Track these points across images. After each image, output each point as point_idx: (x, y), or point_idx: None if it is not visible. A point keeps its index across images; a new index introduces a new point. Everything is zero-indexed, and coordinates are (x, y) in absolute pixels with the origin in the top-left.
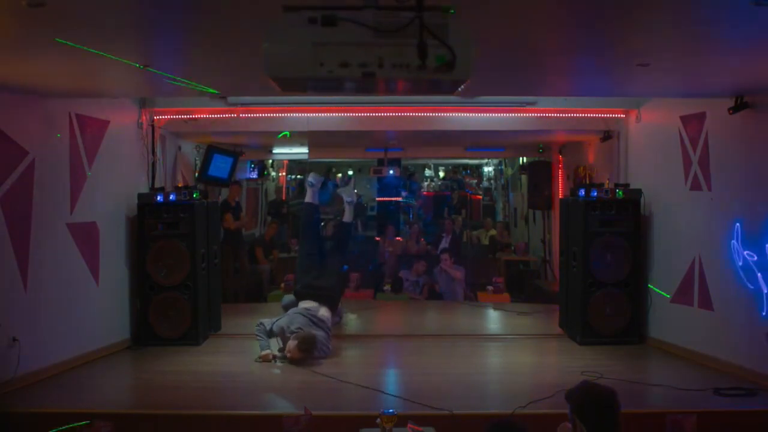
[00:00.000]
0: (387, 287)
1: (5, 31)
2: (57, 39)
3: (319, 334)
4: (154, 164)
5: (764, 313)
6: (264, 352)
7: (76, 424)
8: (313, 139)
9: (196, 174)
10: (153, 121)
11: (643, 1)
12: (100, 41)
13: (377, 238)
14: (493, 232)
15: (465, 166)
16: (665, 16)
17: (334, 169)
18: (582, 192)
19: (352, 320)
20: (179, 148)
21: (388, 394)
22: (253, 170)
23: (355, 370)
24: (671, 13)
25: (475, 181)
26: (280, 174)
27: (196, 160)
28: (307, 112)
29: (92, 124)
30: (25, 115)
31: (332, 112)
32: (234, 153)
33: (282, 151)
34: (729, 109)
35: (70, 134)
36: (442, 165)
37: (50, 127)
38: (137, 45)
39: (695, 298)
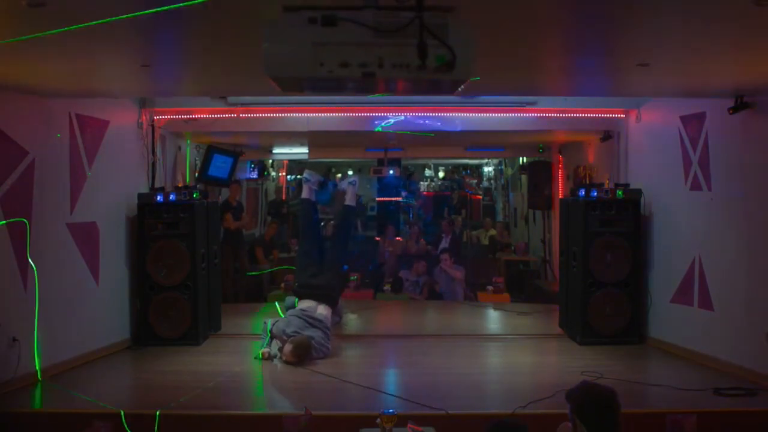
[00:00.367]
0: (387, 287)
1: (5, 31)
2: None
3: (316, 334)
4: (154, 164)
5: None
6: (262, 351)
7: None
8: (313, 139)
9: (197, 174)
10: (153, 121)
11: (644, 1)
12: (100, 41)
13: (377, 238)
14: (493, 232)
15: (465, 166)
16: (665, 16)
17: (333, 169)
18: (582, 192)
19: (352, 320)
20: (179, 148)
21: (388, 394)
22: (253, 170)
23: (355, 370)
24: (671, 13)
25: (475, 181)
26: (280, 174)
27: (196, 160)
28: (307, 112)
29: (92, 124)
30: (25, 115)
31: (332, 112)
32: (234, 153)
33: (282, 151)
34: (729, 109)
35: (70, 134)
36: (442, 165)
37: (50, 127)
38: (137, 45)
39: (695, 298)
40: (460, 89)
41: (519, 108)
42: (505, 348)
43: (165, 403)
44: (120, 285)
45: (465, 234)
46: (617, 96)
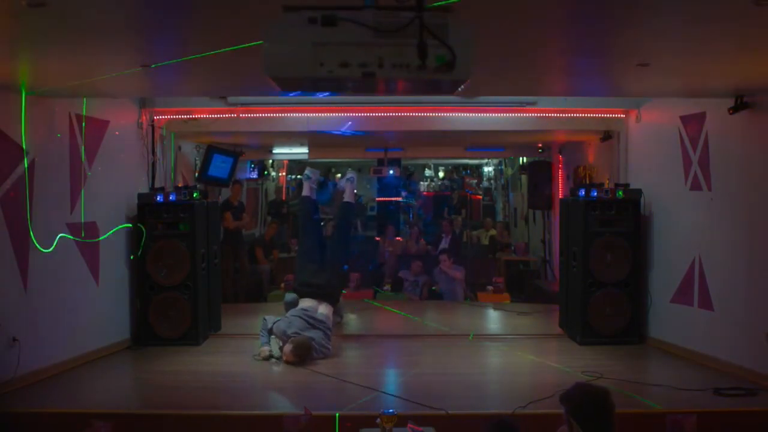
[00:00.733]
0: (387, 287)
1: (5, 31)
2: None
3: (317, 335)
4: (154, 164)
5: None
6: (262, 348)
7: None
8: (313, 139)
9: (196, 174)
10: (153, 121)
11: (644, 1)
12: (100, 41)
13: (377, 238)
14: (493, 232)
15: (465, 166)
16: (665, 16)
17: (333, 169)
18: (582, 192)
19: (352, 320)
20: (179, 148)
21: (388, 394)
22: (253, 170)
23: (355, 370)
24: (671, 13)
25: (475, 181)
26: (280, 174)
27: (196, 160)
28: (307, 112)
29: (92, 124)
30: (26, 115)
31: (332, 112)
32: (234, 153)
33: (282, 151)
34: (729, 109)
35: (70, 134)
36: (442, 165)
37: (50, 127)
38: (137, 45)
39: (695, 298)
40: (460, 89)
41: (519, 108)
42: (505, 348)
43: (165, 403)
44: (120, 285)
45: (465, 234)
46: (617, 96)
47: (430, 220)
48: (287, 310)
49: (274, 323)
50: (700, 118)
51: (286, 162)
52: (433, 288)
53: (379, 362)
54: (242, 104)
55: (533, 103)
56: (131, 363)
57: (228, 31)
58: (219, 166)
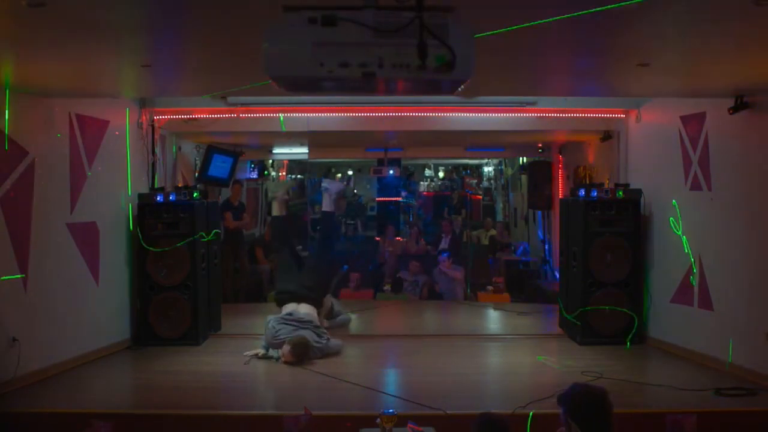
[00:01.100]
0: (387, 287)
1: (5, 31)
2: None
3: (306, 333)
4: (154, 164)
5: None
6: (254, 351)
7: None
8: (313, 139)
9: (196, 174)
10: (153, 121)
11: (644, 1)
12: (100, 41)
13: (377, 238)
14: (493, 232)
15: (465, 166)
16: (665, 16)
17: (333, 169)
18: (582, 192)
19: (352, 321)
20: (179, 148)
21: (388, 394)
22: (253, 170)
23: (355, 370)
24: (672, 13)
25: (475, 181)
26: (280, 174)
27: (196, 160)
28: (307, 112)
29: (92, 124)
30: (26, 115)
31: (332, 112)
32: (234, 153)
33: (282, 151)
34: (729, 109)
35: (70, 134)
36: (442, 165)
37: (50, 127)
38: (137, 45)
39: (695, 298)
40: (460, 89)
41: (519, 108)
42: (505, 348)
43: (165, 403)
44: (120, 285)
45: (465, 234)
46: (617, 96)
47: (430, 220)
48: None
49: (264, 336)
50: (700, 118)
51: (286, 162)
52: (434, 288)
53: (379, 362)
54: (242, 104)
55: (533, 103)
56: (131, 363)
57: (228, 31)
58: (219, 166)
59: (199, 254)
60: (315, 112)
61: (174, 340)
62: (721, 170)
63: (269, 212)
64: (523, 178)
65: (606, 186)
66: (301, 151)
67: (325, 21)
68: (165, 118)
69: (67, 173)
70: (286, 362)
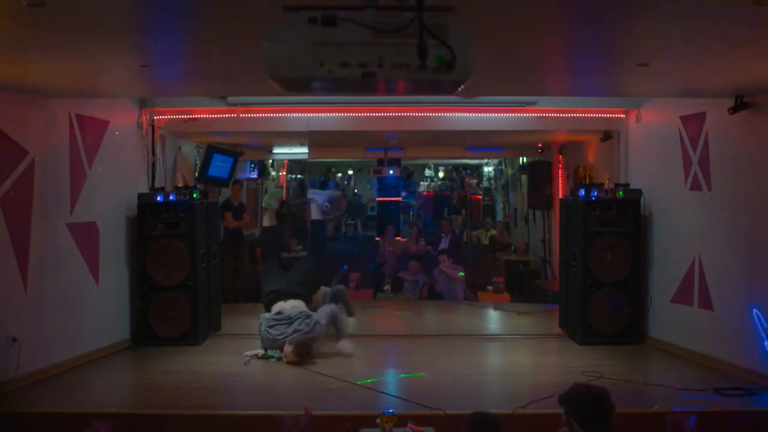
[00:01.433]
0: (387, 287)
1: (5, 31)
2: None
3: (301, 326)
4: (154, 164)
5: None
6: (254, 351)
7: None
8: (313, 139)
9: (196, 174)
10: (153, 121)
11: (643, 1)
12: (100, 41)
13: (377, 238)
14: (493, 232)
15: (465, 166)
16: (665, 16)
17: (333, 169)
18: (582, 192)
19: (351, 321)
20: (179, 148)
21: (388, 394)
22: (253, 170)
23: (355, 370)
24: (671, 13)
25: (475, 181)
26: (280, 174)
27: (196, 160)
28: (307, 112)
29: (92, 124)
30: (26, 115)
31: (332, 112)
32: (234, 153)
33: (282, 151)
34: (729, 109)
35: (70, 134)
36: (442, 165)
37: (50, 127)
38: (137, 45)
39: (695, 298)
40: (460, 89)
41: (519, 108)
42: (505, 348)
43: (165, 403)
44: (120, 285)
45: (465, 234)
46: (617, 96)
47: (430, 220)
48: (332, 300)
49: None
50: (700, 118)
51: (286, 162)
52: (434, 288)
53: (379, 362)
54: (242, 104)
55: (533, 103)
56: (131, 363)
57: (228, 31)
58: (219, 166)
59: (199, 254)
60: (315, 112)
61: (174, 340)
62: (721, 170)
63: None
64: (523, 178)
65: (606, 186)
66: (301, 151)
67: (325, 21)
68: (165, 118)
69: (67, 173)
70: (289, 362)
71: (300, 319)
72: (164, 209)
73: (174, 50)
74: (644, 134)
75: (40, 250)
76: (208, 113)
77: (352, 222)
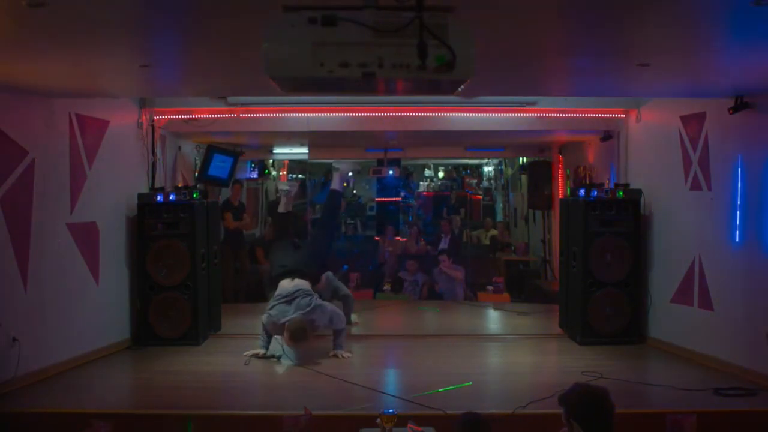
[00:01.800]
0: (387, 287)
1: (5, 31)
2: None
3: (298, 304)
4: (154, 164)
5: None
6: (255, 351)
7: None
8: (313, 139)
9: (196, 174)
10: (153, 121)
11: (644, 1)
12: (100, 42)
13: (377, 238)
14: (493, 232)
15: (465, 166)
16: (665, 16)
17: (335, 165)
18: (582, 192)
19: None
20: (179, 148)
21: (388, 394)
22: (253, 170)
23: (355, 370)
24: (671, 13)
25: (475, 181)
26: (280, 174)
27: (196, 160)
28: (307, 112)
29: (92, 124)
30: (26, 115)
31: (332, 112)
32: (234, 153)
33: (282, 151)
34: (729, 109)
35: (70, 134)
36: (442, 165)
37: (50, 127)
38: (137, 45)
39: (695, 298)
40: (460, 89)
41: (519, 108)
42: (505, 348)
43: (165, 403)
44: (120, 285)
45: (465, 234)
46: (617, 96)
47: (429, 220)
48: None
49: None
50: (700, 118)
51: (286, 162)
52: (434, 288)
53: (379, 362)
54: (242, 104)
55: (533, 103)
56: (131, 363)
57: (228, 31)
58: (219, 166)
59: (199, 254)
60: (315, 112)
61: (174, 340)
62: (721, 170)
63: (269, 212)
64: (523, 178)
65: (606, 186)
66: (301, 151)
67: (325, 21)
68: (165, 118)
69: (67, 173)
70: (288, 345)
71: (300, 297)
72: (164, 209)
73: (174, 50)
74: (644, 134)
75: (40, 250)
76: (208, 113)
77: (352, 222)
